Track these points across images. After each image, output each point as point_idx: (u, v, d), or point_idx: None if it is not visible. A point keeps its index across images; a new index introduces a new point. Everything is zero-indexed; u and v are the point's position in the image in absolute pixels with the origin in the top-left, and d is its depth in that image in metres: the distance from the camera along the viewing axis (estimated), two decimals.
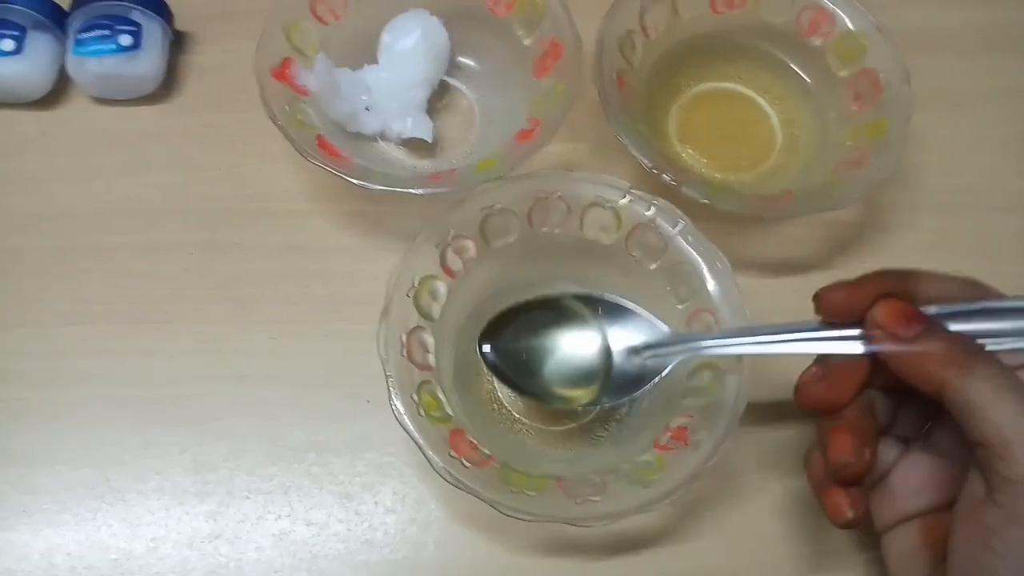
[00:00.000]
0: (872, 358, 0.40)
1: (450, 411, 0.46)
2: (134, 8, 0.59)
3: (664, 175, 0.51)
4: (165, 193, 0.58)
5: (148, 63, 0.59)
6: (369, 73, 0.59)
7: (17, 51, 0.58)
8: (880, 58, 0.57)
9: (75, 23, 0.59)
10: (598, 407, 0.51)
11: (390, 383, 0.44)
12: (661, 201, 0.49)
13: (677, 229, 0.49)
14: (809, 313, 0.42)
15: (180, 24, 0.63)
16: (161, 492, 0.50)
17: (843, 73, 0.59)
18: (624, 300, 0.47)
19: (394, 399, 0.44)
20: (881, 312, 0.39)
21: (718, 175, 0.59)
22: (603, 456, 0.49)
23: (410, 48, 0.58)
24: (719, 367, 0.47)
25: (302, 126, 0.53)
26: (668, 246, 0.49)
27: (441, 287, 0.49)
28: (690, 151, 0.60)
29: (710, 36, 0.61)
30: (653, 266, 0.50)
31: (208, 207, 0.58)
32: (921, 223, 0.59)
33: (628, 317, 0.47)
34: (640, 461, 0.45)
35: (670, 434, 0.46)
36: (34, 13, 0.58)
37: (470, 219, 0.50)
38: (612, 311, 0.47)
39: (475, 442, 0.46)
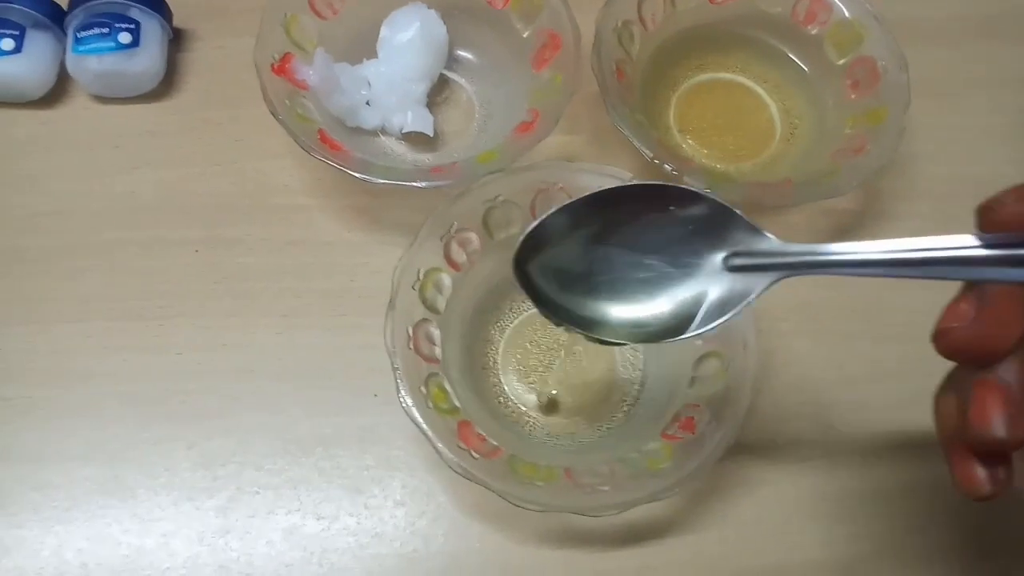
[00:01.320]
0: None
1: (457, 403, 0.47)
2: (133, 5, 0.59)
3: (665, 165, 0.51)
4: (166, 190, 0.58)
5: (147, 60, 0.59)
6: (368, 67, 0.59)
7: (17, 50, 0.57)
8: (877, 46, 0.57)
9: (74, 21, 0.59)
10: (668, 341, 0.36)
11: (398, 376, 0.45)
12: None
13: None
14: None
15: (178, 21, 0.63)
16: (170, 488, 0.50)
17: (840, 61, 0.59)
18: (709, 192, 0.35)
19: (402, 392, 0.44)
20: None
21: (718, 165, 0.60)
22: (610, 447, 0.49)
23: (408, 42, 0.58)
24: (726, 355, 0.47)
25: (303, 120, 0.53)
26: None
27: (446, 280, 0.49)
28: (690, 141, 0.60)
29: (707, 27, 0.62)
30: None
31: (209, 203, 0.58)
32: (917, 210, 0.60)
33: (715, 218, 0.35)
34: (647, 450, 0.46)
35: (678, 424, 0.46)
36: (33, 12, 0.58)
37: (473, 211, 0.50)
38: (693, 210, 0.35)
39: (483, 433, 0.46)
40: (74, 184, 0.59)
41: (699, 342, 0.48)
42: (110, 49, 0.58)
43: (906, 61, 0.56)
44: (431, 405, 0.45)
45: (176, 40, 0.63)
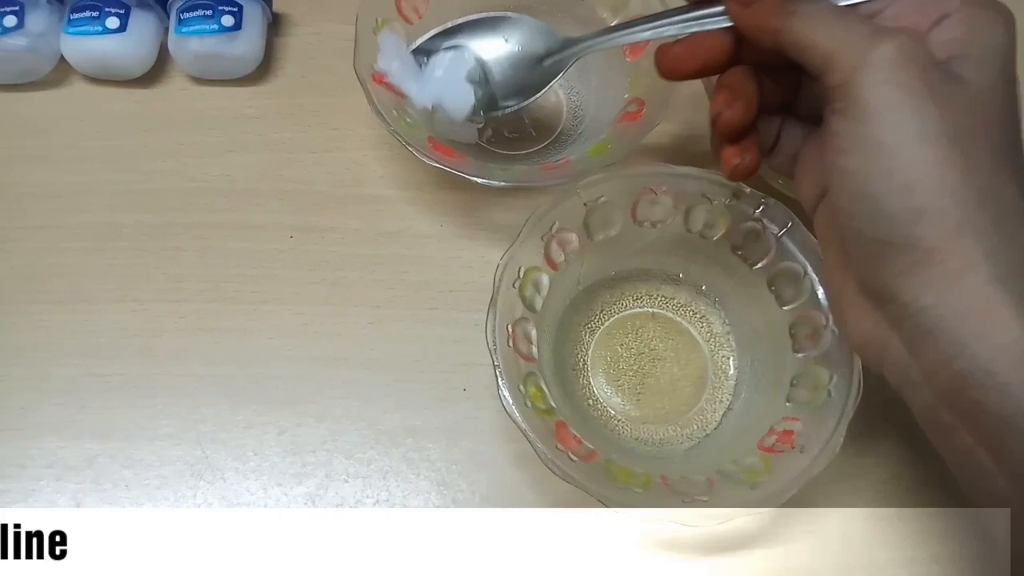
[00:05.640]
0: (737, 33, 0.41)
1: (553, 403, 0.46)
2: None
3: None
4: (260, 174, 0.59)
5: (248, 44, 0.59)
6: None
7: (121, 28, 0.58)
8: None
9: (178, 2, 0.59)
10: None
11: (498, 373, 0.44)
12: (771, 200, 0.49)
13: (785, 229, 0.49)
14: None
15: (277, 6, 0.63)
16: (260, 472, 0.50)
17: None
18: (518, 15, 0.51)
19: (502, 389, 0.44)
20: None
21: None
22: (702, 456, 0.49)
23: None
24: (822, 380, 0.46)
25: (411, 128, 0.52)
26: (775, 246, 0.49)
27: (544, 279, 0.49)
28: None
29: None
30: (758, 266, 0.50)
31: (304, 190, 0.58)
32: None
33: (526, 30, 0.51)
34: (746, 463, 0.45)
35: (775, 437, 0.46)
36: None
37: (574, 212, 0.49)
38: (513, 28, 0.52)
39: (578, 436, 0.46)
40: (169, 163, 0.59)
41: (800, 355, 0.48)
42: (212, 31, 0.58)
43: None
44: (529, 404, 0.45)
45: (274, 24, 0.63)
